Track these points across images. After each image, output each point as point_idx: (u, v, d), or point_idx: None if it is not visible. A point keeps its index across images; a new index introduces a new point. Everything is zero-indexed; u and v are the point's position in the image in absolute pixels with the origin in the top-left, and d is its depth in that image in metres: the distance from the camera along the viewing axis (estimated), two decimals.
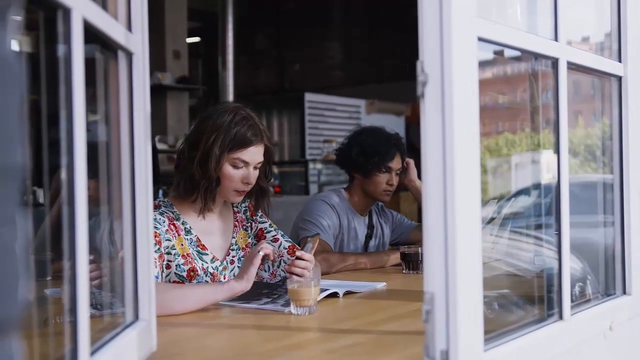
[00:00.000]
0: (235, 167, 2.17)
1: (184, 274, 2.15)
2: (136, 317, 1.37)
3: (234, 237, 2.33)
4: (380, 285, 2.34)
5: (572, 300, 1.54)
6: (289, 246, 2.35)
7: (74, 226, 1.00)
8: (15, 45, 0.58)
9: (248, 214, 2.40)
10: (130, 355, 1.28)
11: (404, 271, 2.66)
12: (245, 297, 2.02)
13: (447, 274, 1.16)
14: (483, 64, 1.27)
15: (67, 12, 0.98)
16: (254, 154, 2.19)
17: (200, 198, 2.19)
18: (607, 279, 1.86)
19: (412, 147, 3.24)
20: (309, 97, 8.10)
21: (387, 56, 9.21)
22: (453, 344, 1.15)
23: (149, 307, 1.39)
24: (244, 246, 2.35)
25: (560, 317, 1.51)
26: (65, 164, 1.00)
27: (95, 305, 1.31)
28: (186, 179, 2.18)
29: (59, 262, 1.12)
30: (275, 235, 2.38)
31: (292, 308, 1.86)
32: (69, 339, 1.01)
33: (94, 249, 1.17)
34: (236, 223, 2.36)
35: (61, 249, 1.05)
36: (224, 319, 1.84)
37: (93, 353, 1.09)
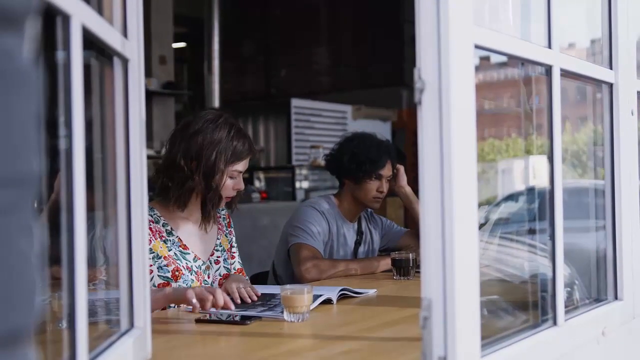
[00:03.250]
0: (231, 177, 2.28)
1: (169, 274, 2.21)
2: (131, 324, 1.36)
3: (218, 239, 2.42)
4: (372, 292, 2.34)
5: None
6: (238, 268, 2.47)
7: (72, 233, 0.99)
8: (31, 54, 0.57)
9: (226, 222, 2.51)
10: None
11: (394, 277, 2.66)
12: (242, 306, 2.02)
13: (444, 280, 1.16)
14: None
15: (66, 18, 0.97)
16: (247, 164, 2.33)
17: (208, 210, 2.28)
18: (598, 284, 1.87)
19: (399, 153, 3.25)
20: (295, 102, 8.10)
21: (374, 62, 9.24)
22: (451, 350, 1.15)
23: (144, 315, 1.38)
24: (227, 249, 2.45)
25: (555, 323, 1.51)
26: (64, 170, 0.99)
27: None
28: (188, 192, 2.25)
29: (51, 268, 1.11)
30: (235, 253, 2.50)
31: (285, 315, 1.86)
32: (67, 347, 1.00)
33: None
34: (220, 226, 2.45)
35: (53, 255, 1.04)
36: (218, 327, 1.83)
37: None
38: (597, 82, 1.83)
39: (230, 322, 1.86)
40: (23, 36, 0.55)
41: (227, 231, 2.49)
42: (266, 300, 2.13)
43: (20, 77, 0.55)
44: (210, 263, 2.36)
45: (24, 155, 0.55)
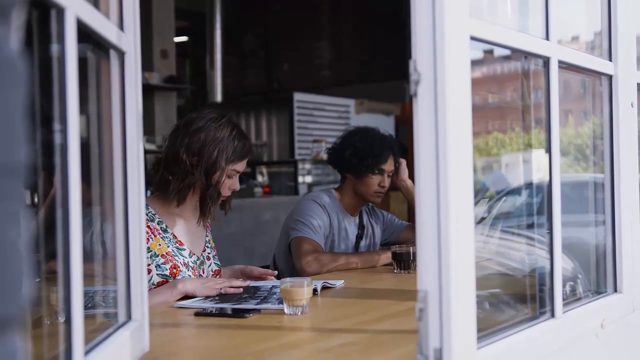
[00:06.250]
0: (228, 177, 2.32)
1: (167, 272, 2.24)
2: (129, 317, 1.36)
3: (207, 236, 2.46)
4: (339, 283, 2.35)
5: (563, 299, 1.55)
6: (215, 270, 2.46)
7: (67, 227, 0.99)
8: (18, 44, 0.57)
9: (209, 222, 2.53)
10: (124, 355, 1.27)
11: (395, 271, 2.66)
12: (231, 301, 2.02)
13: (440, 272, 1.16)
14: (473, 63, 1.27)
15: (60, 11, 0.97)
16: (245, 165, 2.37)
17: (207, 207, 2.31)
18: (598, 277, 1.86)
19: (401, 147, 3.25)
20: (297, 97, 8.09)
21: (376, 56, 9.23)
22: (446, 342, 1.15)
23: (142, 308, 1.38)
24: (213, 247, 2.50)
25: (552, 315, 1.51)
26: (59, 164, 0.99)
27: (87, 305, 1.31)
28: (187, 187, 2.27)
29: (50, 262, 1.11)
30: (214, 253, 2.50)
31: (285, 308, 1.86)
32: (63, 340, 1.01)
33: (84, 250, 1.16)
34: (208, 225, 2.48)
35: (52, 250, 1.05)
36: (217, 320, 1.84)
37: (87, 353, 1.09)
38: (597, 74, 1.82)
39: (229, 315, 1.86)
40: (9, 27, 0.56)
41: (210, 230, 2.54)
42: (253, 292, 2.13)
43: (6, 67, 0.55)
44: (203, 259, 2.40)
45: (11, 145, 0.55)
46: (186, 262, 2.29)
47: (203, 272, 2.37)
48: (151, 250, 2.21)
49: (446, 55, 1.15)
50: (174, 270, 2.23)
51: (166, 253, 2.24)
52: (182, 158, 2.24)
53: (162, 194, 2.30)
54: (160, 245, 2.25)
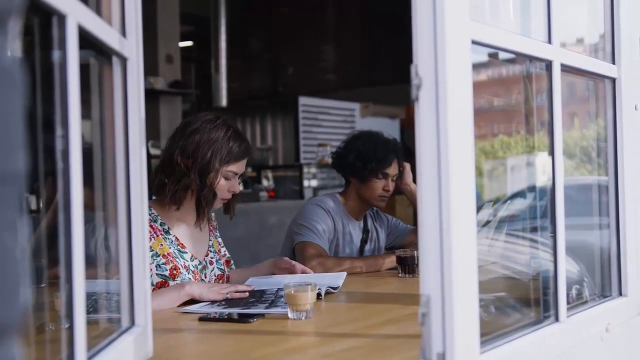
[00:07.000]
0: (226, 178, 2.31)
1: (167, 272, 2.24)
2: (132, 322, 1.36)
3: (210, 240, 2.46)
4: (342, 278, 2.38)
5: (568, 303, 1.54)
6: (218, 274, 2.45)
7: (69, 232, 1.00)
8: (16, 52, 0.58)
9: (215, 225, 2.55)
10: None
11: (399, 275, 2.66)
12: (238, 306, 2.01)
13: (442, 276, 1.16)
14: (477, 67, 1.27)
15: (62, 18, 0.98)
16: (243, 166, 2.36)
17: (201, 208, 2.31)
18: (603, 280, 1.86)
19: (406, 151, 3.24)
20: (303, 100, 8.09)
21: (381, 59, 9.22)
22: (449, 346, 1.15)
23: (145, 313, 1.38)
24: (217, 251, 2.48)
25: (557, 319, 1.51)
26: (61, 170, 1.00)
27: (90, 310, 1.31)
28: (183, 189, 2.27)
29: (54, 268, 1.12)
30: (218, 258, 2.48)
31: (289, 312, 1.86)
32: (66, 345, 1.01)
33: (88, 255, 1.17)
34: (211, 228, 2.49)
35: (56, 256, 1.05)
36: (221, 325, 1.83)
37: (89, 359, 1.09)
38: (600, 77, 1.82)
39: (233, 320, 1.86)
40: (6, 35, 0.56)
41: (216, 234, 2.53)
42: (259, 297, 2.13)
43: (4, 75, 0.55)
44: (206, 263, 2.40)
45: (8, 153, 0.55)
46: (187, 265, 2.29)
47: (205, 277, 2.37)
48: (153, 250, 2.22)
49: (447, 60, 1.15)
50: (174, 272, 2.23)
51: (167, 254, 2.25)
52: (177, 160, 2.25)
53: (163, 198, 2.30)
54: (162, 245, 2.25)
